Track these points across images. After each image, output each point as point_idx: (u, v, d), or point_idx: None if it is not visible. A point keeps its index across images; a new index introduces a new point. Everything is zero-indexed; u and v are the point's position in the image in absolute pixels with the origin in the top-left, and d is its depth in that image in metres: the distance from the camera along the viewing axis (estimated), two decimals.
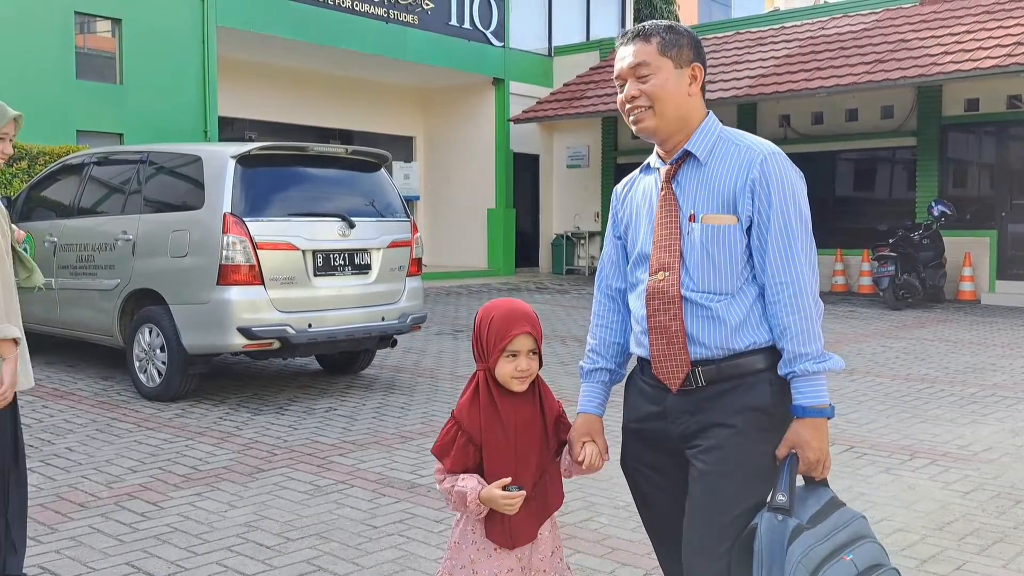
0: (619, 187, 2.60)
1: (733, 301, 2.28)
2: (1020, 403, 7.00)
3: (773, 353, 2.28)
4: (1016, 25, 13.88)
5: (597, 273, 2.63)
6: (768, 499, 2.21)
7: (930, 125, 15.16)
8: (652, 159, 2.47)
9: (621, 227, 2.53)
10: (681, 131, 2.35)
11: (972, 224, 14.75)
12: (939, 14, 15.23)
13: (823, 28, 16.71)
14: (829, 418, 2.24)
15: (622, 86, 2.40)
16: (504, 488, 2.27)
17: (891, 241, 13.64)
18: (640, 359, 2.47)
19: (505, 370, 2.32)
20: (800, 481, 2.27)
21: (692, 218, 2.30)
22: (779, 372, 2.26)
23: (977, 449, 5.65)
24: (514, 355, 2.33)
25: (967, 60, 13.32)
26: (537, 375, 2.40)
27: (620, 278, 2.54)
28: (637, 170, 2.56)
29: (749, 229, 2.27)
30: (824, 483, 2.28)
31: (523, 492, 2.29)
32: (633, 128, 2.40)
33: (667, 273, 2.31)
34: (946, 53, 13.72)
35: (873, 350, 9.62)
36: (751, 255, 2.29)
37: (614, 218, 2.57)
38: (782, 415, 2.26)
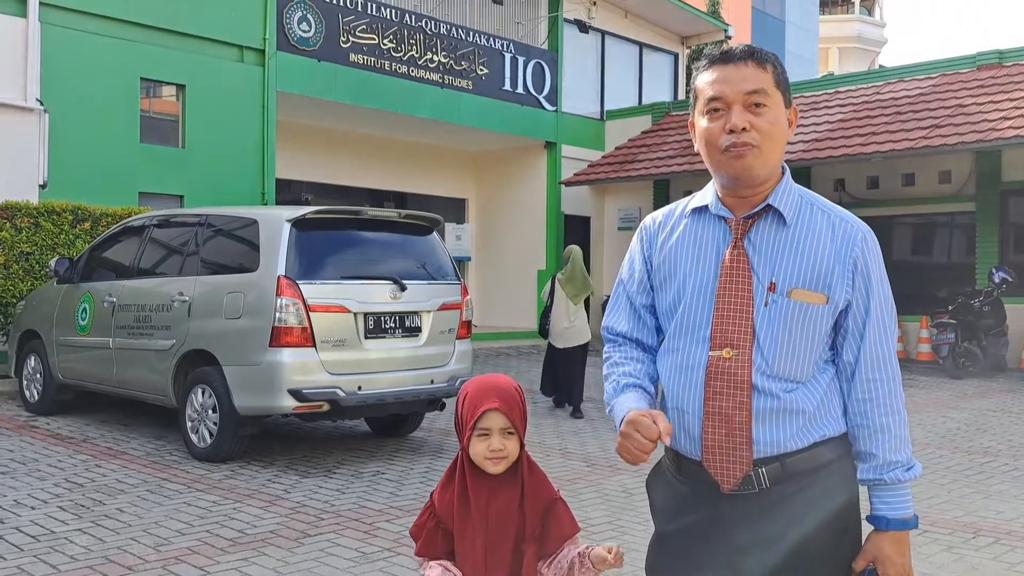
0: (650, 224, 2.17)
1: (805, 390, 1.98)
2: None
3: (842, 442, 2.02)
4: None
5: (606, 324, 2.20)
6: None
7: (989, 190, 14.92)
8: (709, 202, 2.06)
9: (656, 276, 2.11)
10: (769, 181, 2.01)
11: None
12: (996, 79, 15.06)
13: (878, 93, 16.62)
14: (912, 529, 2.00)
15: (718, 111, 1.98)
16: None
17: (951, 308, 13.38)
18: (675, 454, 2.07)
19: (477, 450, 2.16)
20: None
21: (772, 288, 1.96)
22: (862, 477, 2.01)
23: None
24: (486, 433, 2.15)
25: None
26: (524, 458, 2.19)
27: (649, 335, 2.15)
28: (676, 208, 2.15)
29: (840, 312, 2.00)
30: None
31: None
32: (726, 168, 1.99)
33: (735, 352, 1.96)
34: (1004, 118, 13.54)
35: (933, 421, 9.37)
36: (831, 339, 2.02)
37: (645, 263, 2.14)
38: (858, 515, 2.03)
